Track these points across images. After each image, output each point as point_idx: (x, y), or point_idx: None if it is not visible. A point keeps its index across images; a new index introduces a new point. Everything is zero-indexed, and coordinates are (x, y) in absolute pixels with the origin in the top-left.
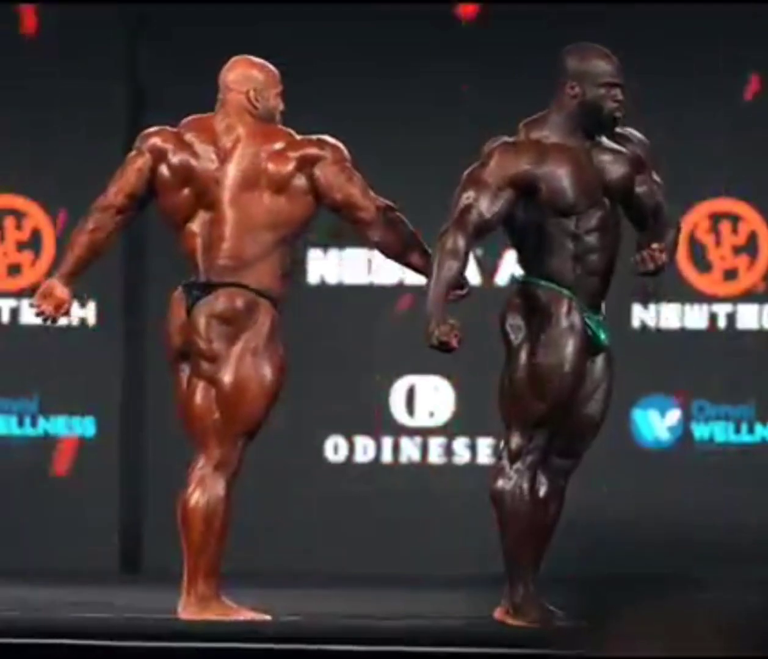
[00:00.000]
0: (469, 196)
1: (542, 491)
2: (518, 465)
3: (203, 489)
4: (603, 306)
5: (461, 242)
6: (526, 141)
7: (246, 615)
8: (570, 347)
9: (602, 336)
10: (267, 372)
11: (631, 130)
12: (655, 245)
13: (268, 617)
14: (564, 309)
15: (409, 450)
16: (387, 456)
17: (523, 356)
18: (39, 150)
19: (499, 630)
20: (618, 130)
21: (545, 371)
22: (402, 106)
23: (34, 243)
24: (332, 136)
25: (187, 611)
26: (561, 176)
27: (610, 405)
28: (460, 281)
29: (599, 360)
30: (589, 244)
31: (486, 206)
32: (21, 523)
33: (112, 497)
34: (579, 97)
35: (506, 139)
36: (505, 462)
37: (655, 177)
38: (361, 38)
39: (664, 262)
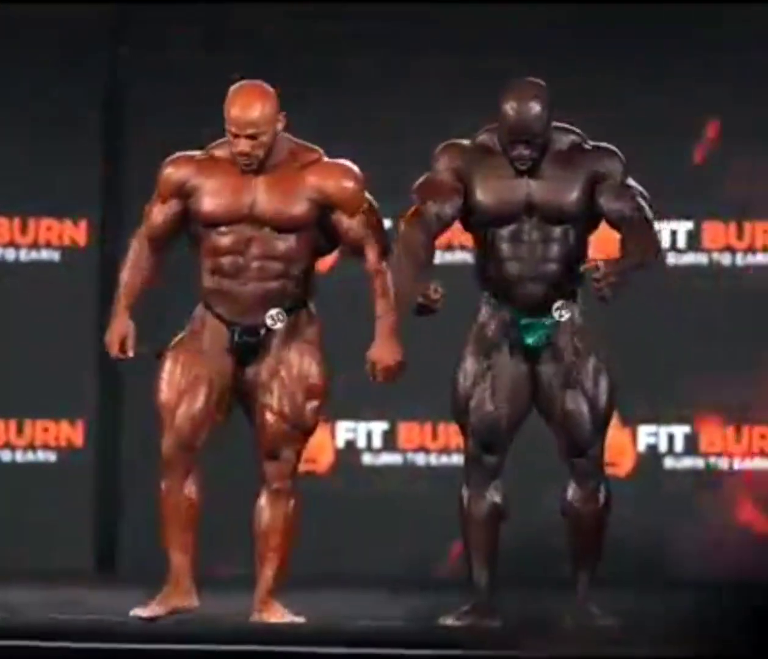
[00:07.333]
0: (419, 198)
1: (570, 494)
2: (468, 471)
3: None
4: (558, 309)
5: (416, 230)
6: (470, 142)
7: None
8: (466, 352)
9: (528, 339)
10: (169, 361)
11: (600, 144)
12: (599, 271)
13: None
14: (482, 312)
15: (394, 454)
16: (374, 459)
17: None
18: (15, 154)
19: (463, 632)
20: (586, 145)
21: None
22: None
23: (11, 246)
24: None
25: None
26: (481, 184)
27: (601, 394)
28: (426, 259)
29: (549, 359)
30: (504, 252)
31: (438, 201)
32: None
33: (87, 496)
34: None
35: (453, 140)
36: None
37: (629, 190)
38: (349, 37)
39: (605, 288)
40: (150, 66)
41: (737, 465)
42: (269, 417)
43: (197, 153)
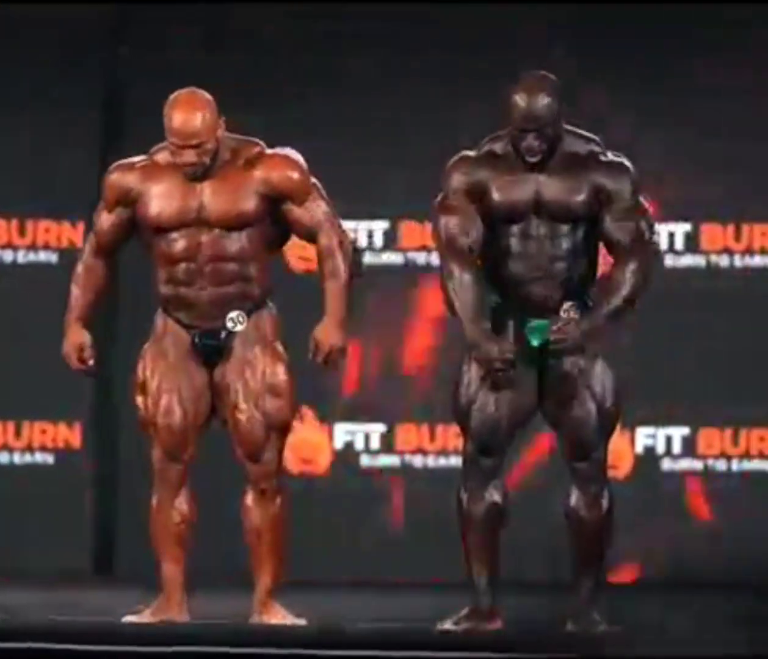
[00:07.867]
0: (443, 224)
1: (573, 500)
2: (466, 472)
3: None
4: (566, 311)
5: (465, 274)
6: (477, 152)
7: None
8: (467, 356)
9: (534, 342)
10: (139, 372)
11: (614, 159)
12: (561, 323)
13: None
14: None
15: (392, 456)
16: (372, 461)
17: None
18: (12, 154)
19: (462, 635)
20: (602, 156)
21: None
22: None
23: (9, 247)
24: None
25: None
26: (494, 185)
27: (609, 397)
28: (481, 298)
29: (557, 363)
30: (512, 250)
31: (466, 233)
32: None
33: (85, 497)
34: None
35: (463, 153)
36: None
37: (634, 217)
38: (349, 37)
39: (567, 339)
40: (150, 66)
41: (735, 467)
42: (241, 419)
43: (139, 158)
